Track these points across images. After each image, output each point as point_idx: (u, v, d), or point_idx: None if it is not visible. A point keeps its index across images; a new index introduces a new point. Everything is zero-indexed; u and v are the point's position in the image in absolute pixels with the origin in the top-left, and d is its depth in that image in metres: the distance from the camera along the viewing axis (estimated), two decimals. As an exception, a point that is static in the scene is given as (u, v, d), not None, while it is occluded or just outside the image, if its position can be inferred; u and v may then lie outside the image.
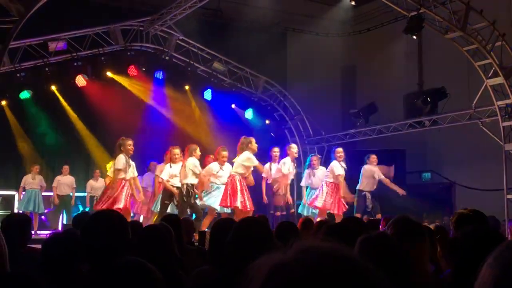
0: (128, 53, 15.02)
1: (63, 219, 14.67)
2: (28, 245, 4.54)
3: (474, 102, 13.52)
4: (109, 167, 10.93)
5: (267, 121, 17.52)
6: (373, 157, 12.64)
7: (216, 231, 3.84)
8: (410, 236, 3.09)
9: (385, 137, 15.93)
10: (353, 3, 12.72)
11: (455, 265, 2.64)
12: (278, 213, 11.93)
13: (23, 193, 14.15)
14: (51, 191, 14.65)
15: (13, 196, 14.68)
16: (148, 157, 14.18)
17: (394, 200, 13.00)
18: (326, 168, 12.39)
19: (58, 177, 14.61)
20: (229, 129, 16.09)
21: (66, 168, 14.70)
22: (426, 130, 15.16)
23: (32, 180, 14.19)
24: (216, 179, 11.08)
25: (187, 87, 16.22)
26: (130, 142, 10.32)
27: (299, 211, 12.88)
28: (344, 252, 1.03)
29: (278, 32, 18.57)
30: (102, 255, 2.54)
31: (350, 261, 1.01)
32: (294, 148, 12.01)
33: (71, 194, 14.64)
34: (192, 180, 10.62)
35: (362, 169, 12.58)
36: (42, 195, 14.38)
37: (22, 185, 14.19)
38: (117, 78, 15.28)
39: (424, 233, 3.23)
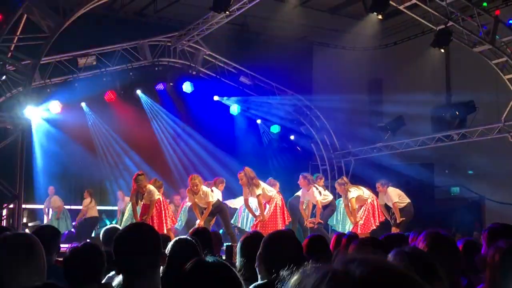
0: (156, 68, 15.18)
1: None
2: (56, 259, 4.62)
3: (504, 115, 13.37)
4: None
5: (291, 137, 17.55)
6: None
7: (245, 245, 3.84)
8: (441, 250, 3.06)
9: (413, 150, 15.80)
10: (380, 17, 12.68)
11: (490, 280, 2.60)
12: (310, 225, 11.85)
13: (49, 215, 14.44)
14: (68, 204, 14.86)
15: (41, 209, 14.87)
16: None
17: (422, 214, 12.86)
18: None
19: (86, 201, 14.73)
20: (255, 143, 16.16)
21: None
22: (454, 144, 15.01)
23: (48, 205, 14.38)
24: None
25: (215, 98, 16.43)
26: (143, 183, 10.61)
27: (333, 227, 12.81)
28: (392, 264, 1.03)
29: (304, 46, 18.59)
30: (136, 267, 2.57)
31: (399, 273, 1.01)
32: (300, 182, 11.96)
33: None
34: None
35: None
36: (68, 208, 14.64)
37: (45, 206, 14.43)
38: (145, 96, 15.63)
39: (456, 247, 3.20)
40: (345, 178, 12.22)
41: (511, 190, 14.86)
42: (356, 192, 11.76)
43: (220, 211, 11.24)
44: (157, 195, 10.71)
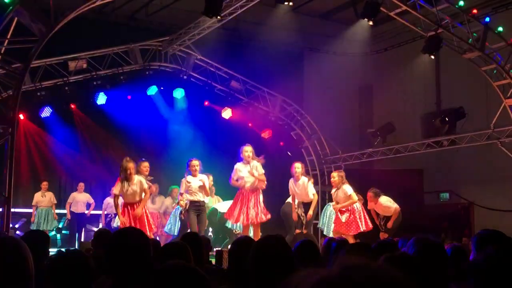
0: (147, 73, 15.17)
1: (80, 238, 14.71)
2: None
3: (493, 122, 13.45)
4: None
5: (281, 143, 17.55)
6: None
7: (236, 250, 3.84)
8: (431, 255, 3.08)
9: (403, 156, 15.86)
10: (370, 23, 12.73)
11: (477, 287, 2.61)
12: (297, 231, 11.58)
13: (35, 212, 14.22)
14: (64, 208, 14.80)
15: (31, 213, 14.76)
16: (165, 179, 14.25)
17: (412, 220, 12.90)
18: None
19: (74, 194, 14.66)
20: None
21: (81, 185, 14.75)
22: (444, 150, 15.08)
23: (42, 198, 14.27)
24: None
25: (205, 104, 16.47)
26: (129, 165, 10.30)
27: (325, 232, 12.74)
28: (390, 271, 1.03)
29: (296, 52, 18.63)
30: (126, 270, 2.57)
31: (397, 280, 1.02)
32: (295, 167, 11.71)
33: (85, 212, 14.74)
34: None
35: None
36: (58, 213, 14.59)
37: (34, 203, 14.27)
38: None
39: (445, 253, 3.21)
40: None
41: (500, 196, 14.94)
42: (351, 189, 11.67)
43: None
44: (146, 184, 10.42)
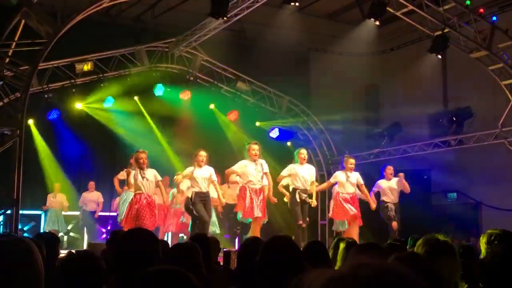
0: (154, 74, 15.19)
1: (91, 238, 14.72)
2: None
3: (501, 121, 13.40)
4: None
5: (288, 143, 17.51)
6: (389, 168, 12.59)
7: (244, 251, 3.85)
8: (440, 255, 3.07)
9: (410, 156, 15.82)
10: (377, 23, 12.71)
11: (487, 286, 2.61)
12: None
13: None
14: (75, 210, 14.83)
15: (39, 215, 14.82)
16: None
17: (419, 220, 12.87)
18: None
19: (84, 194, 14.74)
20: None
21: (92, 184, 14.82)
22: (451, 150, 15.03)
23: (54, 199, 14.35)
24: None
25: (211, 106, 16.46)
26: (141, 155, 10.43)
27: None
28: (402, 270, 1.04)
29: (301, 52, 18.62)
30: (133, 271, 2.57)
31: (407, 279, 1.02)
32: (302, 154, 11.61)
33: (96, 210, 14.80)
34: None
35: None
36: (71, 215, 14.63)
37: (47, 204, 14.36)
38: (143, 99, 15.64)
39: (454, 252, 3.21)
40: None
41: (508, 196, 14.88)
42: None
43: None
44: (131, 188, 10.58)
